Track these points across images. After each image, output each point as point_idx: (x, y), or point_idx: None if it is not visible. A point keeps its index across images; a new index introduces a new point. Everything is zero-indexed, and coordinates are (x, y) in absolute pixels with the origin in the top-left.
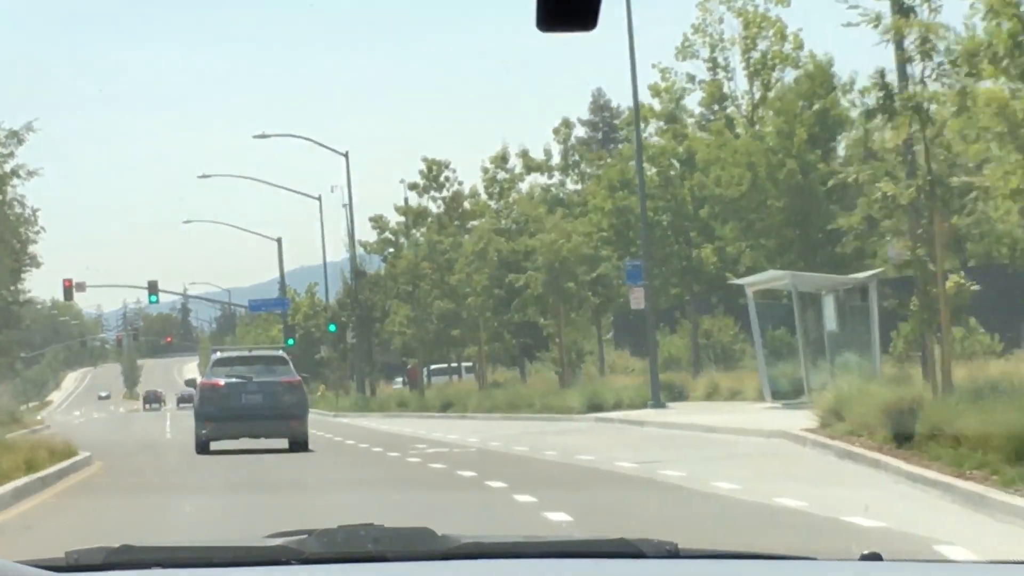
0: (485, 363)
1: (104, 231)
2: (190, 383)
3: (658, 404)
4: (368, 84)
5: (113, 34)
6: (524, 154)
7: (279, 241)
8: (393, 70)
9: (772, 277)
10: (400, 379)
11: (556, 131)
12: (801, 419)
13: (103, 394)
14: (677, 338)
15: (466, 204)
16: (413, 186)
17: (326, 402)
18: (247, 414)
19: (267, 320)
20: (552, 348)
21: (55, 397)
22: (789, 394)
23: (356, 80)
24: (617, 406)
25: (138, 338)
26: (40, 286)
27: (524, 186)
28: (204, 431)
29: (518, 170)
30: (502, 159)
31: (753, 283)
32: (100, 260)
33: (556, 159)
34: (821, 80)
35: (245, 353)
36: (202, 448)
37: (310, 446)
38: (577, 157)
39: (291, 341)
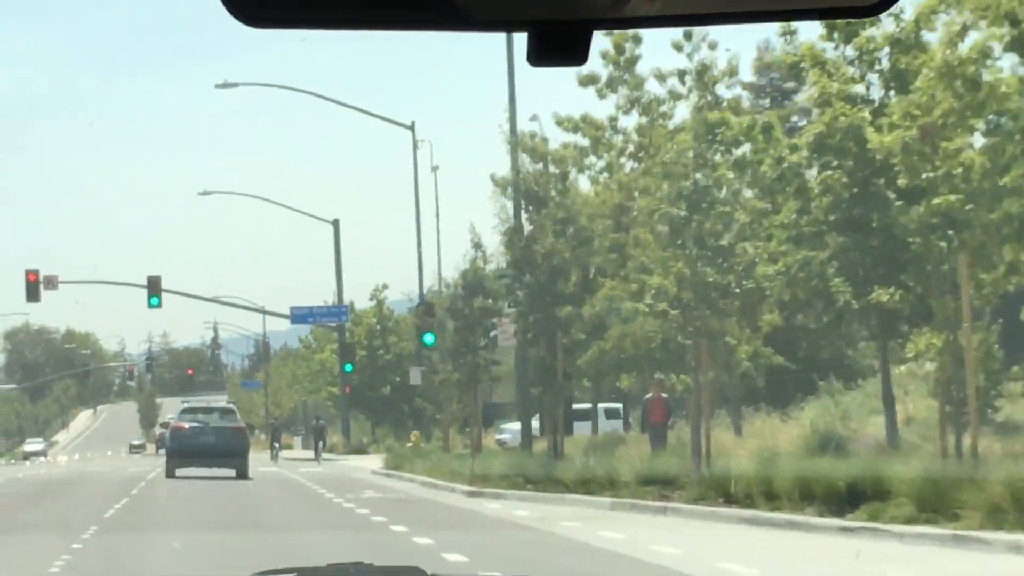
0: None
1: (97, 219)
2: (164, 425)
3: None
4: None
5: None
6: None
7: (335, 224)
8: None
9: None
10: (511, 426)
11: None
12: None
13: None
14: None
15: (723, 88)
16: (588, 80)
17: (431, 464)
18: (204, 450)
19: (309, 348)
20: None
21: (61, 438)
22: None
23: None
24: None
25: (153, 370)
26: (51, 312)
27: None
28: (172, 460)
29: None
30: None
31: None
32: (97, 258)
33: None
34: None
35: (205, 405)
36: (170, 474)
37: None
38: None
39: (349, 367)
